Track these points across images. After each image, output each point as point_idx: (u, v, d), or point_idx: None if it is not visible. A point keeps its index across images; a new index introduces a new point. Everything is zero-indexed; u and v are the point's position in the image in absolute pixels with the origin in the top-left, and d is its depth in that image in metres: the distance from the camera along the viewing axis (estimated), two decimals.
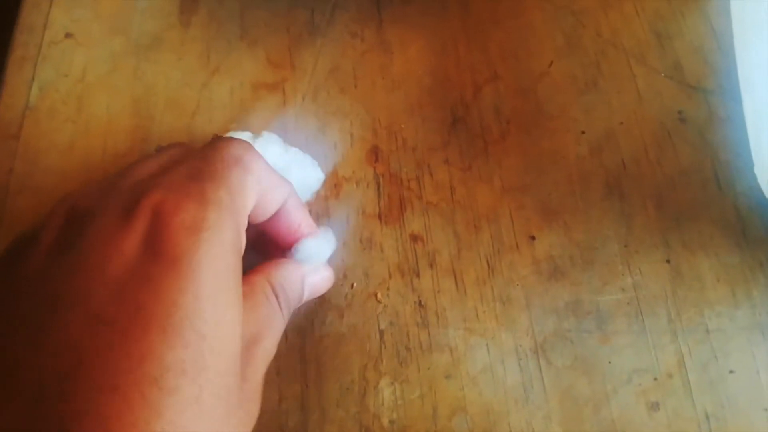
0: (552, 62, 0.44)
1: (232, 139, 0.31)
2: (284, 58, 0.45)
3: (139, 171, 0.30)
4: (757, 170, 0.38)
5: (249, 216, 0.31)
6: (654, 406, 0.35)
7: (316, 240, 0.35)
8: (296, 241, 0.34)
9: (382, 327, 0.37)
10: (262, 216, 0.32)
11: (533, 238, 0.39)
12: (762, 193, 0.38)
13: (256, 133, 0.39)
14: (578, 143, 0.41)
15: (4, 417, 0.23)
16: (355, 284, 0.38)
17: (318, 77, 0.45)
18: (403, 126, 0.43)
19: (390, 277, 0.38)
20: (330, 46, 0.46)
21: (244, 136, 0.38)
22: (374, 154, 0.42)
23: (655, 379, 0.36)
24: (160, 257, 0.25)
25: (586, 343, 0.37)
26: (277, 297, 0.31)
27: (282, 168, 0.38)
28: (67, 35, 0.47)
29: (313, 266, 0.35)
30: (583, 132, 0.41)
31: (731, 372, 0.36)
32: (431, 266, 0.39)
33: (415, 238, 0.40)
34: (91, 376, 0.23)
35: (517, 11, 0.46)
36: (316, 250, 0.35)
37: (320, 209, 0.41)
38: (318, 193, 0.41)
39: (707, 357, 0.36)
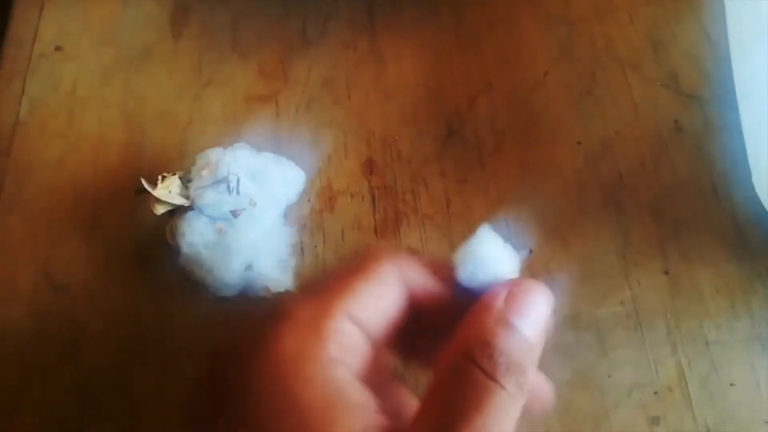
0: (547, 72, 0.43)
1: (370, 249, 0.29)
2: (277, 69, 0.45)
3: None
4: (755, 180, 0.38)
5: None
6: (655, 421, 0.35)
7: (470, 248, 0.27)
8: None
9: None
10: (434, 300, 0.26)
11: (530, 251, 0.39)
12: (760, 203, 0.38)
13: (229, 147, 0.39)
14: (574, 154, 0.41)
15: None
16: None
17: (311, 88, 0.44)
18: (397, 138, 0.42)
19: None
20: (323, 56, 0.45)
21: (216, 151, 0.38)
22: (369, 166, 0.42)
23: (656, 392, 0.36)
24: None
25: (585, 358, 0.36)
26: (477, 363, 0.22)
27: (259, 170, 0.37)
28: (57, 48, 0.47)
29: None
30: (579, 143, 0.41)
31: (732, 385, 0.36)
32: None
33: (411, 251, 0.39)
34: None
35: (511, 20, 0.45)
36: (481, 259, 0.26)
37: (314, 223, 0.40)
38: (312, 205, 0.41)
39: (707, 370, 0.36)
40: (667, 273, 0.38)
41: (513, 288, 0.24)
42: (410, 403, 0.28)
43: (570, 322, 0.37)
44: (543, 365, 0.35)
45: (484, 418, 0.21)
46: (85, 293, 0.40)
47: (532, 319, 0.24)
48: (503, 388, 0.22)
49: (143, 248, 0.40)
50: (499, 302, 0.24)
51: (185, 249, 0.37)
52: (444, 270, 0.26)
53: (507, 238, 0.27)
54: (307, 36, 0.46)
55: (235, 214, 0.36)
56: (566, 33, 0.44)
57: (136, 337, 0.39)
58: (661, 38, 0.44)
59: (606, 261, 0.38)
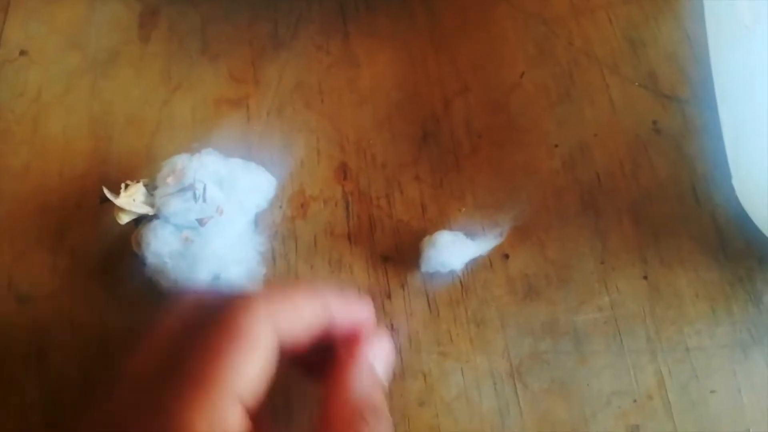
0: (523, 73, 0.42)
1: (241, 305, 0.27)
2: (247, 72, 0.44)
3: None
4: (735, 182, 0.37)
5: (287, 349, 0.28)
6: (634, 429, 0.34)
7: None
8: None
9: None
10: (302, 343, 0.29)
11: (507, 256, 0.38)
12: (741, 205, 0.37)
13: (195, 152, 0.38)
14: (551, 157, 0.40)
15: None
16: None
17: (282, 92, 0.43)
18: (371, 142, 0.41)
19: None
20: (295, 59, 0.44)
21: (182, 158, 0.37)
22: (342, 171, 0.41)
23: (635, 401, 0.35)
24: None
25: (563, 365, 0.36)
26: (374, 425, 0.27)
27: (227, 177, 0.36)
28: (22, 53, 0.46)
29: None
30: (556, 145, 0.40)
31: (712, 392, 0.35)
32: (403, 287, 0.38)
33: (386, 258, 0.38)
34: None
35: (487, 20, 0.44)
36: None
37: (287, 230, 0.39)
38: (283, 211, 0.40)
39: (687, 377, 0.35)
40: (646, 278, 0.37)
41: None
42: None
43: (547, 329, 0.36)
44: (521, 373, 0.34)
45: None
46: (50, 304, 0.39)
47: (386, 362, 0.31)
48: None
49: (109, 258, 0.39)
50: (366, 355, 0.29)
51: (150, 259, 0.36)
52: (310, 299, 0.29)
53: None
54: (278, 39, 0.45)
55: (201, 222, 0.35)
56: (543, 33, 0.44)
57: (101, 348, 0.38)
58: (640, 38, 0.43)
59: (584, 266, 0.37)
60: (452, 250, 0.36)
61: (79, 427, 0.25)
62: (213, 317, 0.27)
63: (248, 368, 0.25)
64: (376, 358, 0.29)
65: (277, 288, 0.28)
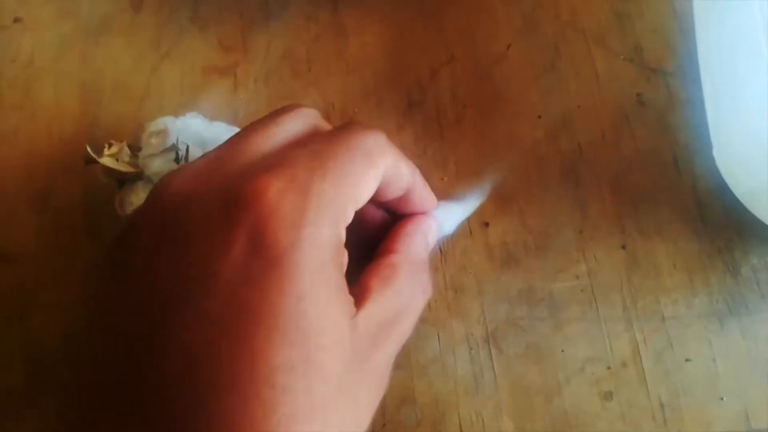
0: (510, 45, 0.43)
1: (367, 130, 0.28)
2: (236, 41, 0.44)
3: (253, 146, 0.28)
4: (716, 153, 0.37)
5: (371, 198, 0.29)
6: (607, 396, 0.35)
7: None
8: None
9: None
10: (384, 198, 0.30)
11: (487, 224, 0.38)
12: (721, 176, 0.37)
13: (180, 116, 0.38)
14: (535, 127, 0.40)
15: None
16: None
17: (270, 61, 0.43)
18: (357, 110, 0.42)
19: None
20: (283, 29, 0.44)
21: (166, 120, 0.37)
22: None
23: (609, 368, 0.35)
24: (262, 255, 0.24)
25: (538, 331, 0.36)
26: (410, 272, 0.28)
27: (210, 139, 0.37)
28: (16, 20, 0.46)
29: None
30: (539, 116, 0.40)
31: (687, 360, 0.35)
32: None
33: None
34: (205, 378, 0.23)
35: None
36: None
37: None
38: None
39: (663, 345, 0.35)
40: (624, 247, 0.37)
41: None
42: None
43: (524, 296, 0.36)
44: (496, 339, 0.34)
45: (415, 314, 0.28)
46: (34, 264, 0.39)
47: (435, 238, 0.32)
48: (425, 298, 0.29)
49: (93, 219, 0.40)
50: (431, 227, 0.31)
51: None
52: None
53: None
54: (268, 8, 0.45)
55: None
56: (531, 6, 0.44)
57: (84, 308, 0.38)
58: (627, 11, 0.43)
59: (563, 235, 0.38)
60: (444, 216, 0.36)
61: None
62: (335, 133, 0.28)
63: (365, 188, 0.27)
64: (429, 231, 0.31)
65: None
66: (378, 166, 0.27)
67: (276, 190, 0.25)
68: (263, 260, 0.24)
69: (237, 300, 0.23)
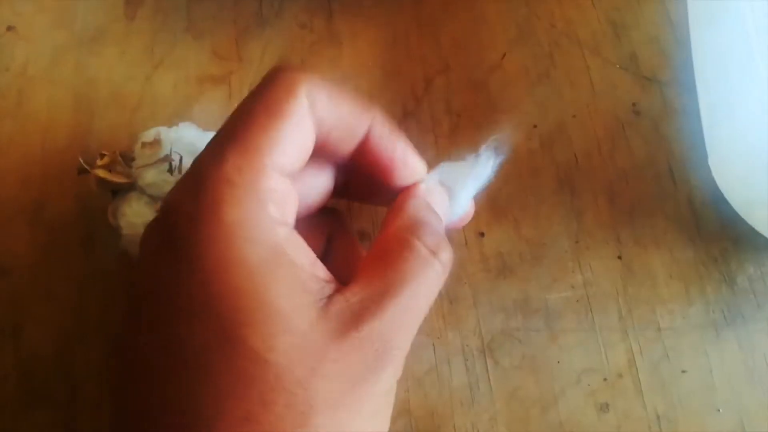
0: (505, 54, 0.42)
1: (275, 71, 0.26)
2: (231, 50, 0.44)
3: None
4: (711, 163, 0.37)
5: (323, 157, 0.28)
6: (603, 408, 0.34)
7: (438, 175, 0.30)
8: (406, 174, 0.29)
9: None
10: (338, 153, 0.28)
11: (482, 234, 0.38)
12: (717, 186, 0.37)
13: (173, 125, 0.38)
14: (529, 137, 0.40)
15: None
16: None
17: (265, 69, 0.42)
18: None
19: None
20: (278, 37, 0.44)
21: (160, 130, 0.37)
22: None
23: (605, 379, 0.35)
24: (169, 251, 0.25)
25: (534, 342, 0.36)
26: (420, 239, 0.26)
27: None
28: (9, 28, 0.46)
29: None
30: (534, 126, 0.40)
31: (683, 371, 0.35)
32: None
33: (362, 235, 0.39)
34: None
35: (470, 2, 0.44)
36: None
37: None
38: None
39: (659, 356, 0.35)
40: (620, 258, 0.37)
41: (429, 184, 0.30)
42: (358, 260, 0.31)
43: (519, 307, 0.36)
44: (491, 350, 0.34)
45: (421, 283, 0.25)
46: (28, 276, 0.39)
47: (443, 209, 0.30)
48: (438, 261, 0.26)
49: (87, 230, 0.39)
50: (422, 193, 0.29)
51: (126, 230, 0.36)
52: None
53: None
54: (262, 16, 0.45)
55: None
56: (525, 15, 0.44)
57: (78, 321, 0.38)
58: (623, 20, 0.43)
59: (558, 245, 0.38)
60: (450, 179, 0.32)
61: None
62: (252, 91, 0.26)
63: (287, 142, 0.25)
64: (433, 201, 0.29)
65: (322, 77, 0.27)
66: (287, 114, 0.25)
67: (176, 189, 0.26)
68: (170, 255, 0.24)
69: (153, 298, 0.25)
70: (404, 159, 0.29)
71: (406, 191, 0.29)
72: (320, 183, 0.30)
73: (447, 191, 0.30)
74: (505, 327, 0.36)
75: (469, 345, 0.36)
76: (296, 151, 0.26)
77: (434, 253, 0.26)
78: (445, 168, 0.31)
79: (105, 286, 0.38)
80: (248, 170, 0.24)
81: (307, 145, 0.26)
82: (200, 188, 0.24)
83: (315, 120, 0.26)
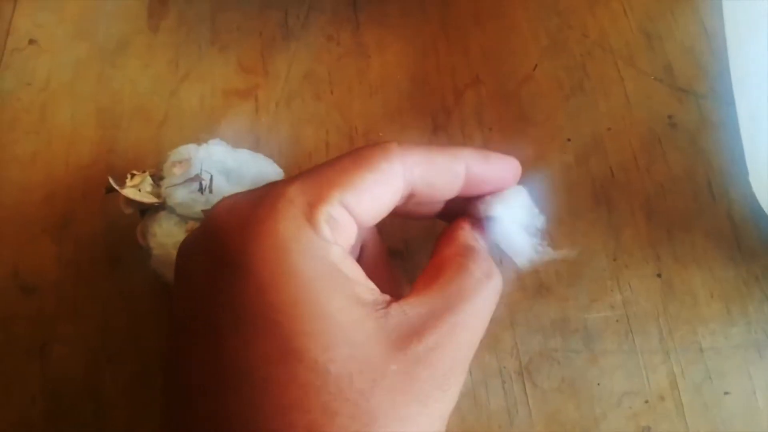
0: (536, 65, 0.42)
1: (374, 145, 0.28)
2: (257, 63, 0.43)
3: None
4: (752, 178, 0.36)
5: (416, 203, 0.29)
6: (645, 431, 0.34)
7: (503, 198, 0.31)
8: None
9: None
10: (439, 198, 0.30)
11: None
12: (757, 202, 0.36)
13: (202, 143, 0.37)
14: (564, 151, 0.39)
15: None
16: None
17: (292, 83, 0.43)
18: (381, 134, 0.41)
19: None
20: (304, 50, 0.44)
21: (189, 148, 0.36)
22: None
23: (647, 401, 0.34)
24: (220, 263, 0.25)
25: (573, 364, 0.35)
26: (475, 263, 0.28)
27: (234, 168, 0.36)
28: (31, 41, 0.45)
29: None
30: (568, 139, 0.39)
31: (726, 393, 0.34)
32: (410, 283, 0.37)
33: (394, 253, 0.38)
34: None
35: (500, 11, 0.43)
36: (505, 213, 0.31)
37: None
38: None
39: (701, 378, 0.34)
40: (659, 276, 0.36)
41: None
42: (398, 282, 0.34)
43: (557, 327, 0.36)
44: (530, 372, 0.34)
45: (477, 304, 0.26)
46: (55, 295, 0.38)
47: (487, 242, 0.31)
48: (492, 285, 0.27)
49: (114, 249, 0.39)
50: (468, 226, 0.31)
51: (156, 250, 0.35)
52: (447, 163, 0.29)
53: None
54: (288, 28, 0.44)
55: (207, 214, 0.35)
56: (557, 25, 0.43)
57: (105, 340, 0.37)
58: (656, 30, 0.42)
59: (596, 263, 0.37)
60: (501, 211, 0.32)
61: None
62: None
63: (363, 188, 0.26)
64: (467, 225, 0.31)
65: (415, 144, 0.28)
66: (375, 169, 0.26)
67: (227, 202, 0.26)
68: (221, 266, 0.24)
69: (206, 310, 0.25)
70: (504, 177, 0.31)
71: (456, 222, 0.31)
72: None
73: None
74: (543, 348, 0.35)
75: (506, 367, 0.35)
76: (375, 203, 0.27)
77: (488, 276, 0.27)
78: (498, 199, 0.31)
79: (133, 306, 0.38)
80: (312, 195, 0.25)
81: (387, 204, 0.27)
82: (257, 202, 0.25)
83: (410, 180, 0.27)
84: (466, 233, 0.30)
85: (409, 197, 0.29)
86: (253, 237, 0.24)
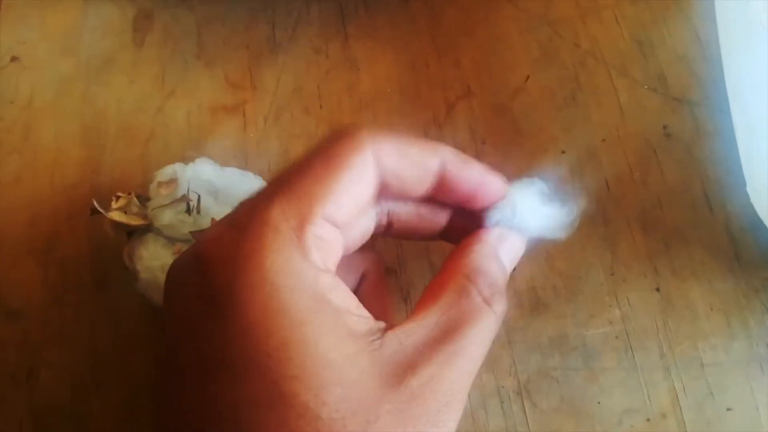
0: (528, 76, 0.41)
1: (338, 132, 0.26)
2: (244, 77, 0.43)
3: None
4: (749, 189, 0.36)
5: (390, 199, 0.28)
6: None
7: (513, 197, 0.29)
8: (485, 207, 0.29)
9: None
10: (412, 194, 0.28)
11: (513, 268, 0.36)
12: (756, 213, 0.35)
13: (189, 161, 0.36)
14: (558, 163, 0.39)
15: None
16: None
17: (280, 97, 0.42)
18: None
19: None
20: (293, 63, 0.43)
21: (176, 168, 0.35)
22: None
23: (648, 419, 0.33)
24: (205, 299, 0.23)
25: (572, 382, 0.34)
26: (477, 286, 0.26)
27: (222, 187, 0.35)
28: (13, 59, 0.45)
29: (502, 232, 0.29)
30: (563, 151, 0.39)
31: (729, 409, 0.33)
32: (405, 301, 0.37)
33: (388, 270, 0.37)
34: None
35: (490, 22, 0.43)
36: (521, 213, 0.29)
37: None
38: None
39: (703, 394, 0.34)
40: (658, 290, 0.36)
41: (502, 230, 0.29)
42: (386, 301, 0.33)
43: (556, 345, 0.35)
44: (529, 391, 0.33)
45: (476, 331, 0.25)
46: (40, 319, 0.38)
47: (513, 257, 0.29)
48: (493, 311, 0.26)
49: (101, 272, 0.38)
50: (492, 239, 0.28)
51: (143, 274, 0.34)
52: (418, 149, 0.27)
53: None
54: (276, 42, 0.44)
55: (195, 235, 0.34)
56: (548, 35, 0.42)
57: (93, 364, 0.37)
58: (649, 39, 0.41)
59: (593, 278, 0.36)
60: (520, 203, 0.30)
61: None
62: (314, 145, 0.26)
63: (342, 193, 0.25)
64: (502, 249, 0.29)
65: (388, 131, 0.27)
66: (348, 166, 0.25)
67: (213, 231, 0.25)
68: (207, 304, 0.23)
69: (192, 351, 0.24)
70: (482, 183, 0.29)
71: (476, 234, 0.29)
72: (365, 225, 0.29)
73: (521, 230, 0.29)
74: (541, 366, 0.34)
75: (504, 386, 0.34)
76: (352, 204, 0.26)
77: (488, 302, 0.26)
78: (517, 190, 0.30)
79: (120, 330, 0.37)
80: (295, 217, 0.24)
81: (365, 199, 0.26)
82: (242, 233, 0.24)
83: (380, 172, 0.26)
84: (481, 248, 0.28)
85: (394, 189, 0.27)
86: (239, 274, 0.23)
